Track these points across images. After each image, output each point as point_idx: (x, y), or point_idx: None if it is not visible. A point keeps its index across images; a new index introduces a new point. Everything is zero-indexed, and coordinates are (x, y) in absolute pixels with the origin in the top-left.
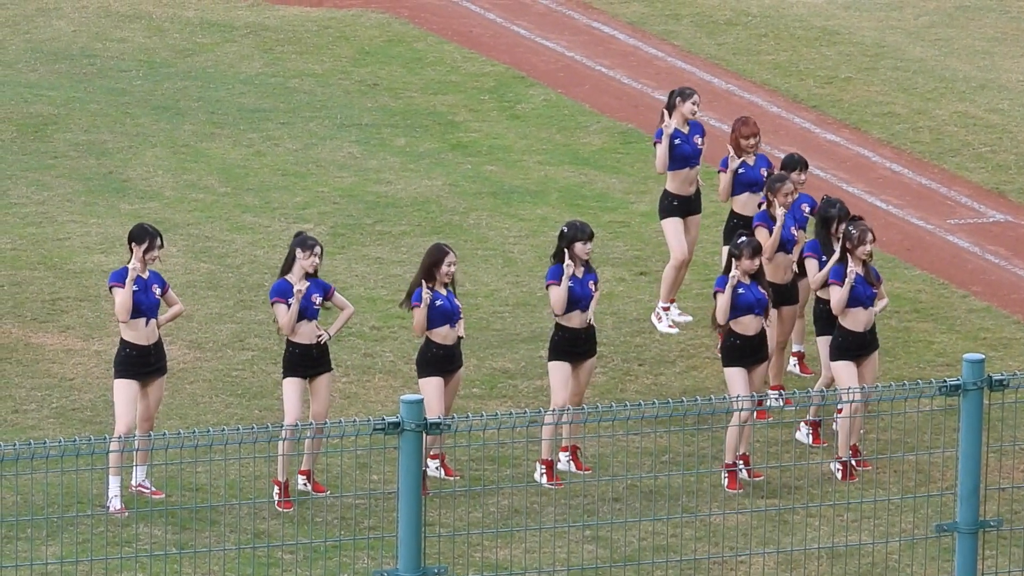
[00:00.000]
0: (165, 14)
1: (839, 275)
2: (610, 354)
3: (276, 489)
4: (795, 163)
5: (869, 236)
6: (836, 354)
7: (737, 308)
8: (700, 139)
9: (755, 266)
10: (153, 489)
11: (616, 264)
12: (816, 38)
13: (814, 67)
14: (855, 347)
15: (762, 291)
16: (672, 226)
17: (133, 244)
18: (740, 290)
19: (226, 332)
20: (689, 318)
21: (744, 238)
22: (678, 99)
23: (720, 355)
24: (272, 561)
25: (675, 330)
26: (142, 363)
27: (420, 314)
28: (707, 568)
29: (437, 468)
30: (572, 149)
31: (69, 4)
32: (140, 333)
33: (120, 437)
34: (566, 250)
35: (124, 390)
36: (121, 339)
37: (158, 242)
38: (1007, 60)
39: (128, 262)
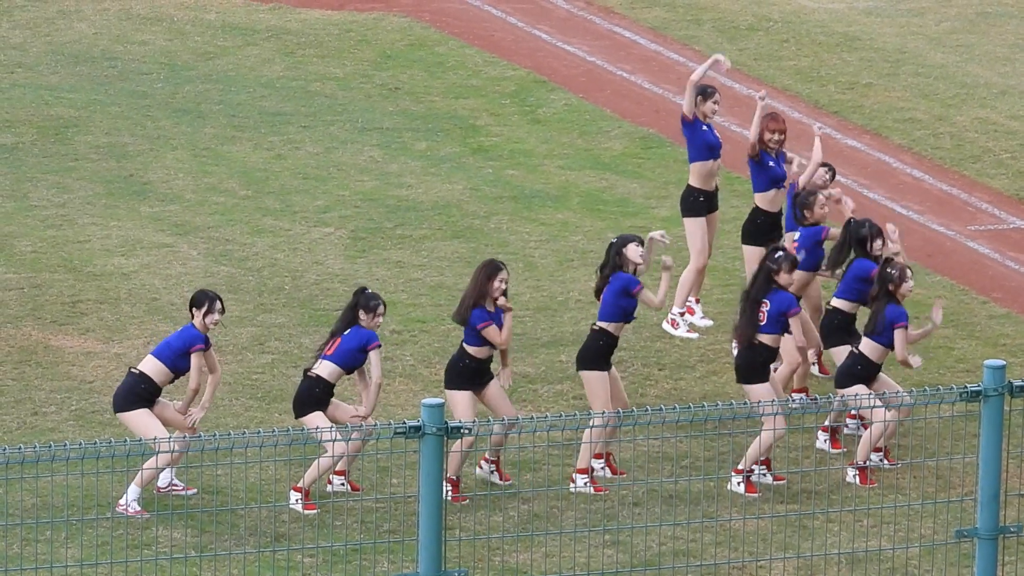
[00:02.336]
0: (186, 17)
1: (903, 317)
2: (630, 359)
3: (297, 496)
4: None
5: (908, 272)
6: (850, 381)
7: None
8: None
9: (793, 279)
10: (185, 485)
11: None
12: (837, 44)
13: (835, 73)
14: (871, 375)
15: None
16: (698, 227)
17: (193, 309)
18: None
19: (246, 335)
20: (710, 322)
21: (780, 252)
22: (699, 97)
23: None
24: (292, 564)
25: (695, 335)
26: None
27: (499, 330)
28: (727, 573)
29: (492, 472)
30: (593, 154)
31: (90, 7)
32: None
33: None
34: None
35: (147, 417)
36: (143, 374)
37: (218, 306)
38: None
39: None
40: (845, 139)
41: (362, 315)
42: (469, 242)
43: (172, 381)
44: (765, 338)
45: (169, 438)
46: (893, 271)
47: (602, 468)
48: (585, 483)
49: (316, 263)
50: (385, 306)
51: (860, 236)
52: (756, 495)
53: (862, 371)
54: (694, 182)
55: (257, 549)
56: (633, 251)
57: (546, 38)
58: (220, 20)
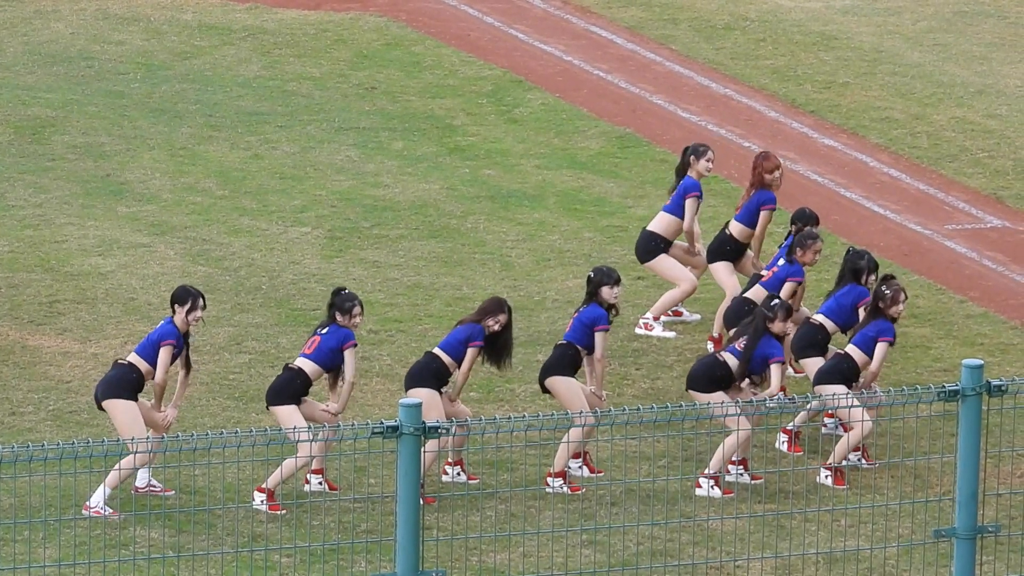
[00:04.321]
0: (163, 17)
1: (890, 332)
2: (607, 358)
3: (261, 496)
4: (807, 218)
5: (902, 296)
6: (833, 379)
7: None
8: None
9: (787, 328)
10: (163, 487)
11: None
12: (814, 43)
13: (812, 72)
14: (854, 378)
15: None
16: (668, 262)
17: (176, 305)
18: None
19: (223, 335)
20: (697, 317)
21: (776, 301)
22: (692, 157)
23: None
24: (269, 564)
25: (672, 333)
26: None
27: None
28: (704, 573)
29: (458, 474)
30: (570, 153)
31: (67, 6)
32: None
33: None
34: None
35: (132, 409)
36: (132, 364)
37: (201, 303)
38: (1005, 66)
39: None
40: (822, 138)
41: (338, 316)
42: (446, 242)
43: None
44: (732, 361)
45: (146, 439)
46: (888, 291)
47: (579, 467)
48: (560, 484)
49: (293, 263)
50: (362, 306)
51: (856, 268)
52: (731, 495)
53: (847, 371)
54: (657, 229)
55: (234, 549)
56: (607, 292)
57: (523, 38)
58: (197, 20)
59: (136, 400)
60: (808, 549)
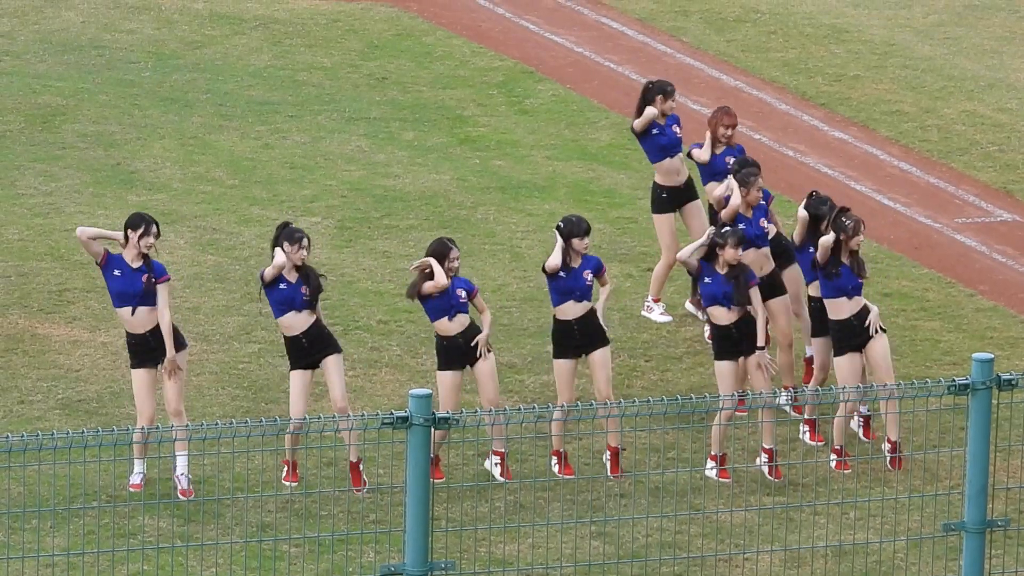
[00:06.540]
0: (174, 6)
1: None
2: (616, 350)
3: (286, 468)
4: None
5: (862, 227)
6: (836, 348)
7: (704, 298)
8: (678, 128)
9: (739, 256)
10: (184, 489)
11: (624, 260)
12: (825, 36)
13: (823, 65)
14: (850, 336)
15: (728, 283)
16: (665, 223)
17: (128, 231)
18: (706, 279)
19: (233, 325)
20: (669, 318)
21: (728, 228)
22: (659, 96)
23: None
24: (278, 555)
25: (669, 318)
26: (144, 350)
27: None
28: (713, 565)
29: (495, 465)
30: (580, 145)
31: None
32: (130, 323)
33: (143, 428)
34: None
35: (136, 379)
36: (126, 332)
37: (153, 228)
38: (1016, 59)
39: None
40: (832, 131)
41: (286, 246)
42: (456, 232)
43: (151, 315)
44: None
45: (148, 430)
46: (849, 222)
47: (606, 460)
48: (554, 463)
49: None
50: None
51: (818, 213)
52: (728, 480)
53: (836, 333)
54: (658, 179)
55: (243, 539)
56: (578, 244)
57: (534, 28)
58: (208, 9)
59: (142, 366)
60: (817, 542)
